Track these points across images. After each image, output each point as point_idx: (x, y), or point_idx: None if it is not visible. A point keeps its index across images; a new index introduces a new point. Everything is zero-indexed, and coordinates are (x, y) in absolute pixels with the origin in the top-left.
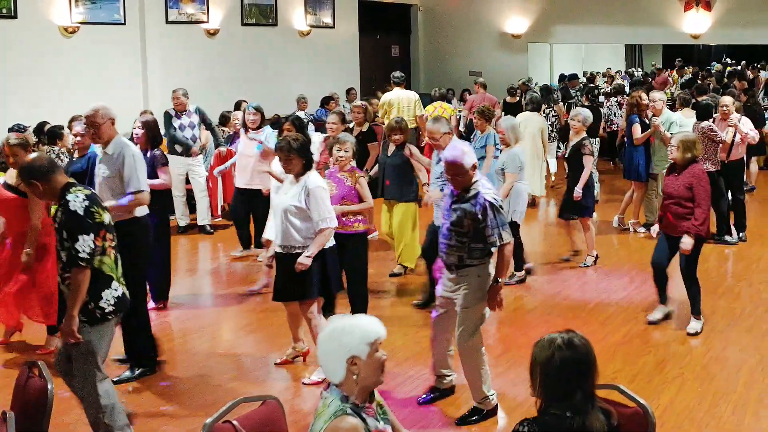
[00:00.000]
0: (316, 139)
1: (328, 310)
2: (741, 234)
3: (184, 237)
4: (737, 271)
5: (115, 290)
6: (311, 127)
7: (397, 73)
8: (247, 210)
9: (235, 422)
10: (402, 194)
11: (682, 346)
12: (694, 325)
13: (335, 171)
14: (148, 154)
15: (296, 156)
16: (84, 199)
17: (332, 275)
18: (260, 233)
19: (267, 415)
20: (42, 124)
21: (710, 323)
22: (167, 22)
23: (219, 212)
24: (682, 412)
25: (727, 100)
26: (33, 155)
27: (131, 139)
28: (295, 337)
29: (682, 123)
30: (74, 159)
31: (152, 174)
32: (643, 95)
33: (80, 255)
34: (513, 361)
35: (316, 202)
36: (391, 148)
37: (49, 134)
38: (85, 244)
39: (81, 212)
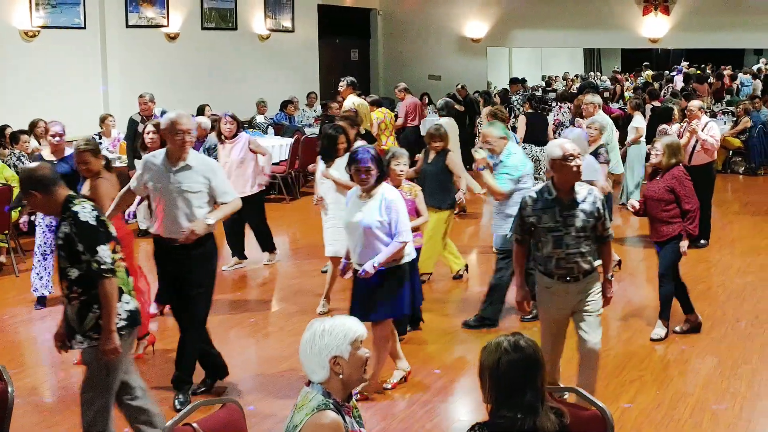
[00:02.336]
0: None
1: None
2: (703, 240)
3: (144, 240)
4: (696, 275)
5: (127, 303)
6: (271, 131)
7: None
8: (240, 219)
9: (195, 425)
10: (439, 202)
11: (641, 349)
12: (659, 331)
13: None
14: None
15: (375, 168)
16: (92, 209)
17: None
18: (263, 242)
19: (227, 418)
20: (3, 128)
21: (669, 326)
22: (127, 26)
23: None
24: (640, 414)
25: (694, 103)
26: (34, 164)
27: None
28: (394, 355)
29: (614, 127)
30: (54, 162)
31: None
32: (588, 97)
33: (104, 267)
34: None
35: (397, 214)
36: (431, 155)
37: (11, 137)
38: (105, 254)
39: (94, 222)
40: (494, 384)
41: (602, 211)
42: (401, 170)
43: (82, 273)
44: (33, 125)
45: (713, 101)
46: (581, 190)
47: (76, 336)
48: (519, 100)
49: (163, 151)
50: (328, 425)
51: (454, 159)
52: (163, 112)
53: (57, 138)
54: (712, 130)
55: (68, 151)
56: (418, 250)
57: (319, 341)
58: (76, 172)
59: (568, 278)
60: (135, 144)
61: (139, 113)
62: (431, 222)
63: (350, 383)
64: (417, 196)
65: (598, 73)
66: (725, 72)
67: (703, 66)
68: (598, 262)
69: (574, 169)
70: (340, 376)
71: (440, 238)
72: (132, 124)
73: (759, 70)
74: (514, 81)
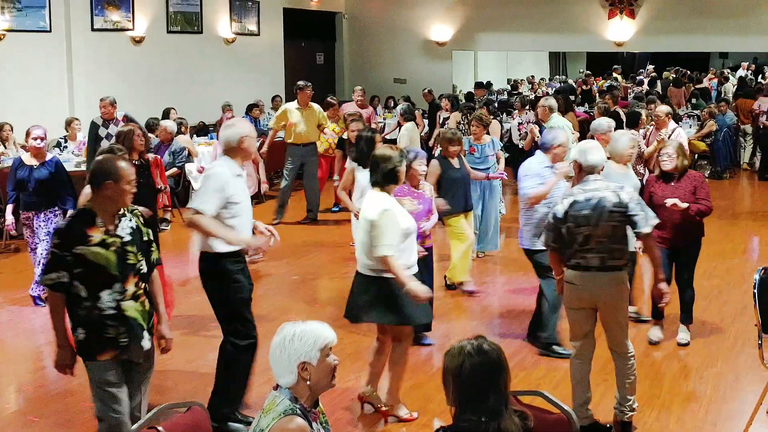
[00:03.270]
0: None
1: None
2: None
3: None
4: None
5: None
6: None
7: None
8: None
9: (160, 428)
10: (469, 207)
11: (606, 353)
12: (684, 336)
13: (407, 187)
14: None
15: None
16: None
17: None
18: None
19: (192, 421)
20: None
21: (635, 328)
22: (93, 29)
23: None
24: (606, 417)
25: (661, 109)
26: (98, 157)
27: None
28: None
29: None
30: (34, 166)
31: None
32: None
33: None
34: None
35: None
36: (454, 160)
37: None
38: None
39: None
40: (458, 387)
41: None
42: (423, 170)
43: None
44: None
45: (689, 107)
46: None
47: (144, 334)
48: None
49: None
50: (294, 430)
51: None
52: (125, 116)
53: (39, 141)
54: (680, 137)
55: (49, 156)
56: (429, 249)
57: (288, 346)
58: (54, 177)
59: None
60: (96, 147)
61: (100, 117)
62: (461, 229)
63: (317, 389)
64: (434, 196)
65: (564, 76)
66: (708, 77)
67: (678, 69)
68: None
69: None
70: (308, 382)
71: (461, 245)
72: (93, 127)
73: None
74: (479, 85)
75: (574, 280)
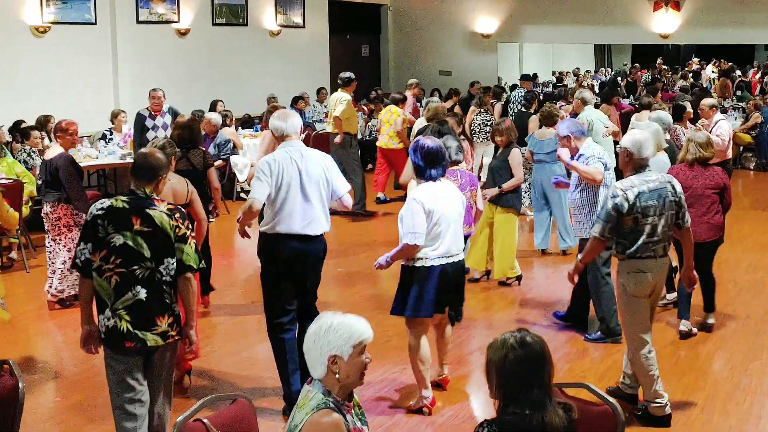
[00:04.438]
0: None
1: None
2: None
3: None
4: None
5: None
6: None
7: (342, 74)
8: None
9: (206, 421)
10: (512, 200)
11: (664, 349)
12: (711, 321)
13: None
14: None
15: None
16: None
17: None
18: None
19: (238, 413)
20: (18, 123)
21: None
22: (138, 21)
23: None
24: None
25: (706, 102)
26: (146, 151)
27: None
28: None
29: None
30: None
31: None
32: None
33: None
34: None
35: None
36: (497, 150)
37: (22, 133)
38: None
39: None
40: (501, 380)
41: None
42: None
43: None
44: (45, 121)
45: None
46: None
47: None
48: (517, 98)
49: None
50: (328, 424)
51: (516, 156)
52: (170, 109)
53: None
54: (720, 129)
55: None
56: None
57: (323, 336)
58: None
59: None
60: (142, 139)
61: (147, 108)
62: (503, 223)
63: (346, 385)
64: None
65: (608, 69)
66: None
67: (731, 64)
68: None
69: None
70: (337, 376)
71: (514, 239)
72: (139, 119)
73: None
74: (525, 77)
75: (646, 269)
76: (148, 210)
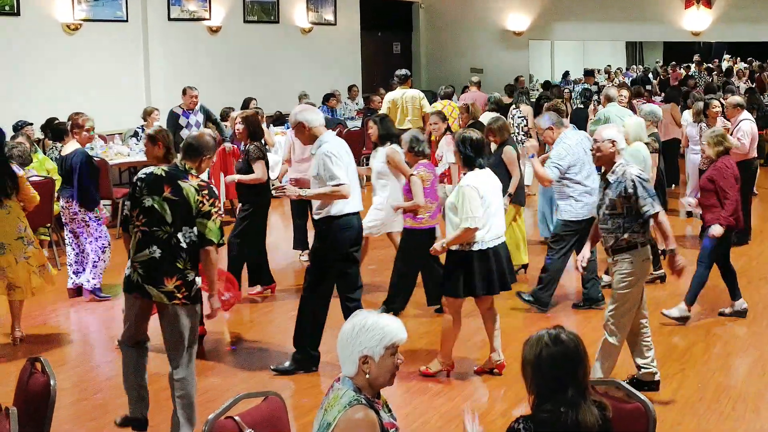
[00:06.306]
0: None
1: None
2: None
3: None
4: (738, 268)
5: None
6: None
7: (400, 72)
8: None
9: (237, 418)
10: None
11: (682, 342)
12: (674, 312)
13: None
14: (242, 148)
15: None
16: None
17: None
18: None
19: (269, 411)
20: (50, 120)
21: (710, 319)
22: (169, 19)
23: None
24: (683, 407)
25: (731, 100)
26: (195, 133)
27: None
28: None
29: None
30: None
31: (247, 168)
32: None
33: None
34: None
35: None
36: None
37: (54, 131)
38: None
39: None
40: (536, 377)
41: (632, 191)
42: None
43: None
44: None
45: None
46: (617, 170)
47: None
48: (576, 93)
49: None
50: (363, 420)
51: (509, 153)
52: (202, 107)
53: (90, 132)
54: (739, 132)
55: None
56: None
57: (356, 336)
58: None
59: (606, 251)
60: (176, 137)
61: (180, 106)
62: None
63: (376, 385)
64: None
65: (640, 66)
66: None
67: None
68: None
69: (592, 152)
70: (367, 376)
71: (519, 230)
72: (173, 116)
73: None
74: (588, 73)
75: (650, 254)
76: (179, 181)
